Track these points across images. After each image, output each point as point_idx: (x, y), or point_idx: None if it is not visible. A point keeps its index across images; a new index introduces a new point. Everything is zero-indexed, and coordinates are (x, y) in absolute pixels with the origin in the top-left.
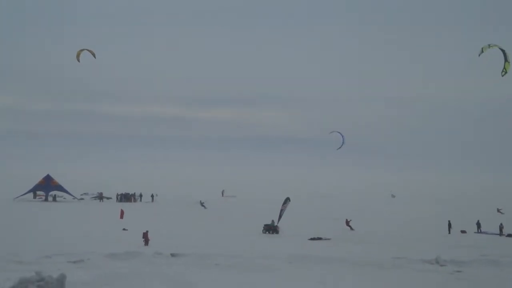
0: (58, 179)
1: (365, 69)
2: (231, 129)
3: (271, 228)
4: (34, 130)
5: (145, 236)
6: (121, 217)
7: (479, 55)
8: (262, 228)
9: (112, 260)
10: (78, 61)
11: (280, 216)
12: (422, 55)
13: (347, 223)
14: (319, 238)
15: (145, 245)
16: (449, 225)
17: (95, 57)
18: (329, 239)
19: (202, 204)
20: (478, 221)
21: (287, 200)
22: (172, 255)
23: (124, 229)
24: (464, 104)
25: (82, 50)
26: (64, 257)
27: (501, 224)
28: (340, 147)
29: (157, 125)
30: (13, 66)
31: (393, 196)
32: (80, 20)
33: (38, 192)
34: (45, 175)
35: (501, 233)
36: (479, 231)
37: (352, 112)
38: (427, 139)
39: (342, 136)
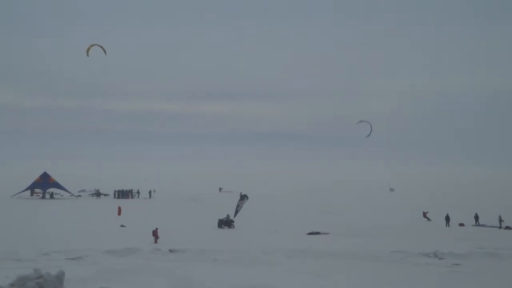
0: (55, 176)
1: (363, 62)
2: (228, 124)
3: (226, 223)
4: (30, 127)
5: (155, 233)
6: (119, 213)
7: None
8: (217, 223)
9: (111, 257)
10: (87, 55)
11: (236, 212)
12: (422, 48)
13: (424, 214)
14: (317, 233)
15: (155, 242)
16: (447, 219)
17: (105, 53)
18: (327, 233)
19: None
20: (476, 214)
21: (244, 197)
22: (171, 250)
23: (122, 226)
24: (463, 97)
25: (92, 45)
26: (63, 254)
27: (500, 216)
28: (369, 135)
29: (154, 121)
30: (9, 62)
31: (391, 189)
32: (79, 16)
33: (36, 190)
34: (42, 172)
35: (500, 226)
36: (477, 224)
37: (350, 106)
38: (426, 133)
39: (370, 125)
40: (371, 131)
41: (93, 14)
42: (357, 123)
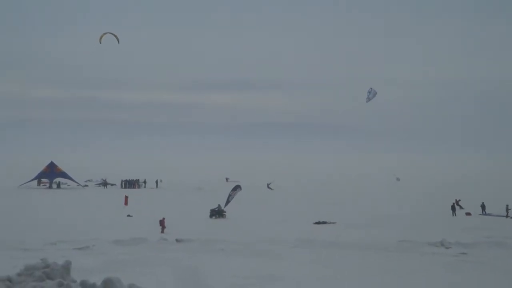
0: (62, 166)
1: (365, 51)
2: (237, 115)
3: (217, 213)
4: (38, 118)
5: (162, 223)
6: (126, 203)
7: None
8: (209, 213)
9: (118, 246)
10: (100, 43)
11: (227, 201)
12: (422, 36)
13: (457, 202)
14: (324, 222)
15: (161, 232)
16: (453, 208)
17: (118, 42)
18: (334, 223)
19: (268, 186)
20: (482, 203)
21: (237, 187)
22: (177, 240)
23: (128, 216)
24: (468, 86)
25: (105, 33)
26: (70, 244)
27: (507, 205)
28: (369, 99)
29: (161, 111)
30: (17, 53)
31: (397, 179)
32: (84, 7)
33: (43, 179)
34: (49, 162)
35: (507, 215)
36: (484, 213)
37: (355, 95)
38: (431, 123)
39: (374, 92)
40: (374, 94)
41: (102, 5)
42: (366, 102)
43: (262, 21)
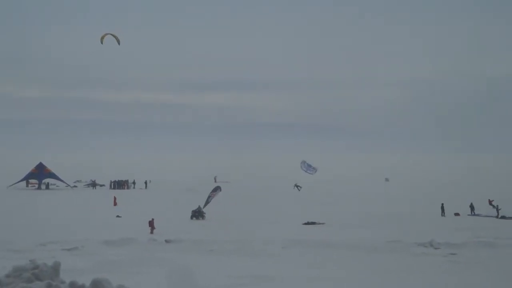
0: (51, 167)
1: (359, 53)
2: (224, 114)
3: (198, 214)
4: (25, 118)
5: (151, 224)
6: (115, 204)
7: None
8: (190, 214)
9: (107, 247)
10: (102, 43)
11: (207, 202)
12: (418, 37)
13: (490, 202)
14: (313, 223)
15: (150, 232)
16: (442, 208)
17: (119, 43)
18: (323, 223)
19: (296, 186)
20: (471, 203)
21: (217, 188)
22: (167, 241)
23: (118, 216)
24: (459, 87)
25: (106, 34)
26: (59, 245)
27: (497, 205)
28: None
29: (150, 111)
30: (6, 52)
31: (387, 179)
32: (77, 6)
33: (31, 180)
34: (37, 163)
35: (498, 215)
36: (473, 213)
37: (347, 96)
38: (421, 122)
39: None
40: (308, 167)
41: (96, 5)
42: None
43: (260, 21)
